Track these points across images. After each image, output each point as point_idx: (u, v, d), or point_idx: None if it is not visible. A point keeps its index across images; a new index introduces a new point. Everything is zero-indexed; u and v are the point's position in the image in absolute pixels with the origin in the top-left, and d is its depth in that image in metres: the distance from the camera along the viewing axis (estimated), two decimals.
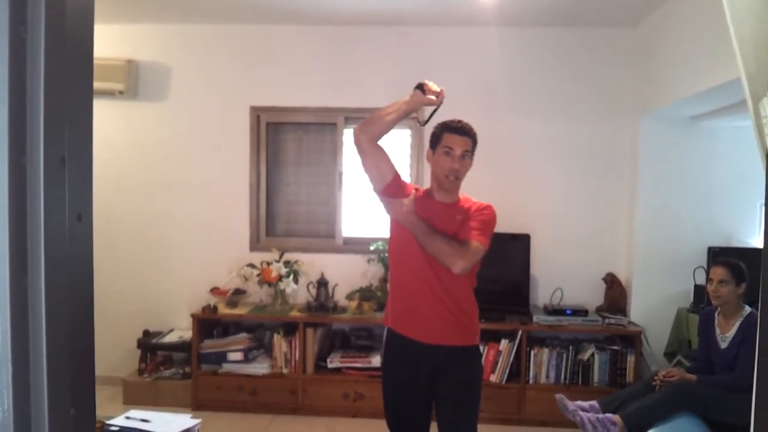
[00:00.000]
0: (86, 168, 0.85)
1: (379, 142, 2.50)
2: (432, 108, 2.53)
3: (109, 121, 4.79)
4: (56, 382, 0.78)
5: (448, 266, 2.38)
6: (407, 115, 2.47)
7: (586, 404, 3.43)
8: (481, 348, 4.18)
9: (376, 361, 4.18)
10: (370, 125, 2.46)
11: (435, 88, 2.47)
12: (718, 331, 3.45)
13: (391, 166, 2.55)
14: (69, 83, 0.79)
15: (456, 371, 2.53)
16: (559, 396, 3.47)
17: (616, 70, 4.58)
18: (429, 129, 2.62)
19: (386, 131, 2.48)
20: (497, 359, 4.22)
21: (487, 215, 2.55)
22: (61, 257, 0.78)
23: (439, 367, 2.52)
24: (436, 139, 2.55)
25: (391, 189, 2.54)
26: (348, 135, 4.74)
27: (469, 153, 2.53)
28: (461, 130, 2.51)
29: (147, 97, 4.79)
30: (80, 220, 0.83)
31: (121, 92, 4.66)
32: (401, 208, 2.46)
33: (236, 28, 4.72)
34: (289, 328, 4.41)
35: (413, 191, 2.61)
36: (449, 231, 2.48)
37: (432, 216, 2.51)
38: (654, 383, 3.44)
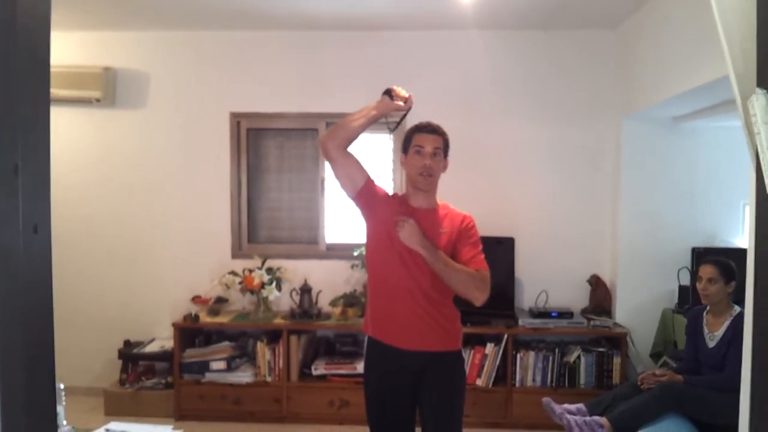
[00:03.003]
0: (42, 177, 0.81)
1: (350, 149, 2.49)
2: (401, 114, 2.55)
3: (86, 129, 4.74)
4: (11, 401, 0.73)
5: (471, 300, 2.39)
6: (376, 120, 2.49)
7: (573, 407, 3.41)
8: (467, 352, 4.16)
9: (360, 367, 4.05)
10: (338, 132, 2.46)
11: (403, 93, 2.50)
12: (706, 331, 3.44)
13: (363, 172, 2.53)
14: (21, 89, 0.75)
15: (439, 377, 2.50)
16: (546, 399, 3.45)
17: (597, 72, 4.58)
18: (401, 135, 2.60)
19: (354, 137, 2.48)
20: (483, 363, 4.19)
21: (476, 232, 2.55)
22: (15, 271, 0.74)
23: (422, 374, 2.49)
24: (407, 142, 2.55)
25: (363, 194, 2.52)
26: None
27: (440, 150, 2.52)
28: (429, 128, 2.52)
29: (125, 104, 4.72)
30: (36, 232, 0.78)
31: (98, 100, 4.60)
32: (413, 233, 2.34)
33: (215, 35, 4.67)
34: (273, 336, 4.36)
35: (387, 195, 2.60)
36: (431, 239, 2.43)
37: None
38: (641, 384, 3.43)
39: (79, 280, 4.70)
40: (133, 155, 4.74)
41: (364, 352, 2.67)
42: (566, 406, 3.40)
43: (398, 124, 2.62)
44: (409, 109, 2.52)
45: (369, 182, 2.54)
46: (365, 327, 2.63)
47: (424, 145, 2.48)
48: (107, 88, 4.62)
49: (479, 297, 2.39)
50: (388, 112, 2.49)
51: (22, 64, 0.75)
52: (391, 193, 2.65)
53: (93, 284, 4.74)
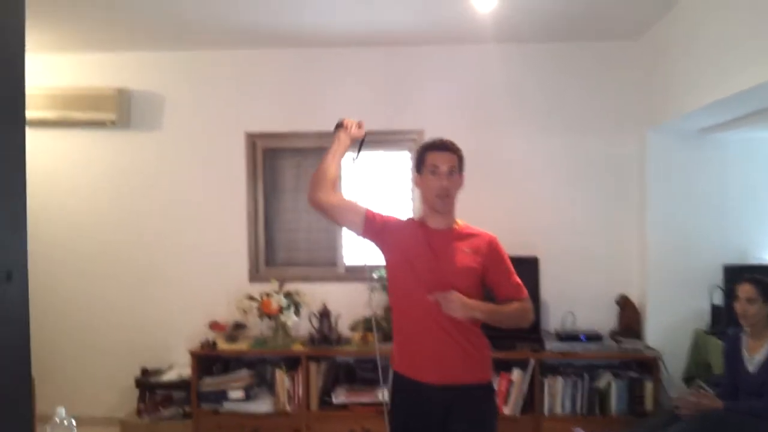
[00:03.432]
0: (16, 218, 0.70)
1: (337, 190, 2.50)
2: (358, 142, 2.58)
3: (101, 152, 4.68)
4: None
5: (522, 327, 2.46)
6: (344, 154, 2.53)
7: None
8: (493, 380, 4.01)
9: (383, 395, 4.01)
10: (318, 183, 2.47)
11: (353, 120, 2.57)
12: (746, 354, 3.27)
13: (358, 209, 2.48)
14: None
15: (469, 411, 2.38)
16: (577, 430, 3.30)
17: (619, 85, 4.44)
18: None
19: (335, 179, 2.48)
20: (510, 390, 4.04)
21: (505, 254, 2.46)
22: None
23: (452, 408, 2.36)
24: (420, 161, 2.46)
25: (369, 230, 2.47)
26: (348, 159, 4.58)
27: (456, 169, 2.42)
28: (443, 146, 2.42)
29: (140, 126, 4.66)
30: (9, 279, 0.68)
31: (112, 122, 4.53)
32: (460, 303, 2.25)
33: (230, 54, 4.59)
34: (292, 363, 4.24)
35: (398, 221, 2.52)
36: (455, 260, 2.36)
37: (430, 245, 2.40)
38: (677, 408, 3.26)
39: (93, 305, 4.65)
40: (148, 178, 4.67)
41: (389, 387, 2.54)
42: None
43: (359, 151, 2.63)
44: (365, 135, 2.58)
45: (369, 217, 2.47)
46: (392, 361, 2.51)
47: (438, 165, 2.38)
48: (122, 110, 4.56)
49: (527, 325, 2.45)
50: (353, 143, 2.55)
51: None
52: (404, 216, 2.57)
53: (108, 310, 4.66)
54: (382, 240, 2.48)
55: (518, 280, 2.45)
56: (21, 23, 0.75)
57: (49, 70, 4.57)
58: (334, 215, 2.49)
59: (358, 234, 2.48)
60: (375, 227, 2.46)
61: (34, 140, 4.63)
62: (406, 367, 2.43)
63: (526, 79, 4.49)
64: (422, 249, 2.39)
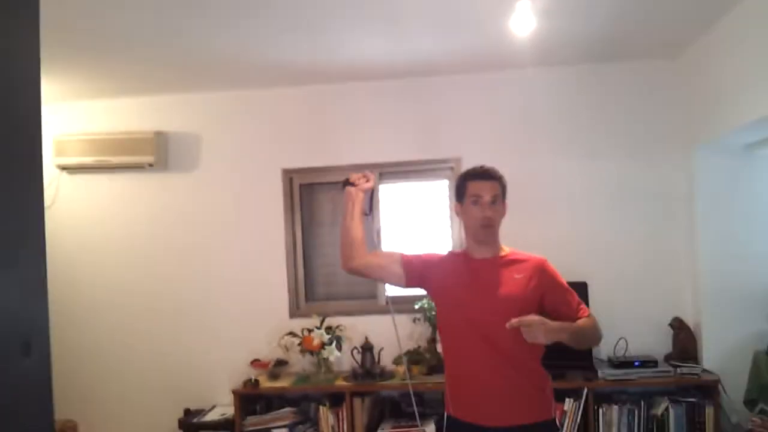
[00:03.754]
0: (36, 272, 0.61)
1: (366, 250, 2.43)
2: (368, 196, 2.52)
3: (140, 194, 4.73)
4: None
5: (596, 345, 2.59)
6: (360, 210, 2.46)
7: None
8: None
9: (430, 429, 3.88)
10: (347, 250, 2.41)
11: (358, 175, 2.51)
12: None
13: (394, 257, 2.43)
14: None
15: None
16: None
17: (662, 104, 4.33)
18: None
19: (361, 239, 2.42)
20: (563, 421, 3.88)
21: (559, 275, 2.36)
22: None
23: None
24: (460, 191, 2.38)
25: (412, 278, 2.40)
26: (384, 189, 4.57)
27: (500, 197, 2.33)
28: (485, 174, 2.33)
29: (177, 167, 4.71)
30: (28, 354, 0.57)
31: (150, 165, 4.59)
32: (542, 328, 2.07)
33: (263, 93, 4.64)
34: (336, 399, 4.15)
35: (440, 257, 2.45)
36: (506, 289, 2.25)
37: (476, 277, 2.31)
38: None
39: (133, 346, 4.64)
40: (187, 217, 4.70)
41: None
42: None
43: (371, 204, 2.55)
44: (374, 187, 2.54)
45: (406, 262, 2.41)
46: (446, 406, 2.41)
47: (481, 195, 2.29)
48: (159, 153, 4.61)
49: (599, 342, 2.44)
50: (363, 197, 2.48)
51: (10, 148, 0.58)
52: (444, 251, 2.50)
53: (148, 351, 4.64)
54: (427, 282, 2.41)
55: (578, 298, 2.35)
56: (36, 71, 0.69)
57: (88, 116, 4.68)
58: (372, 275, 2.47)
59: (403, 286, 2.42)
60: (416, 271, 2.40)
61: (74, 184, 4.73)
62: (460, 410, 2.31)
63: (566, 102, 4.42)
64: (468, 282, 2.30)
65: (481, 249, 2.35)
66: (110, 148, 4.55)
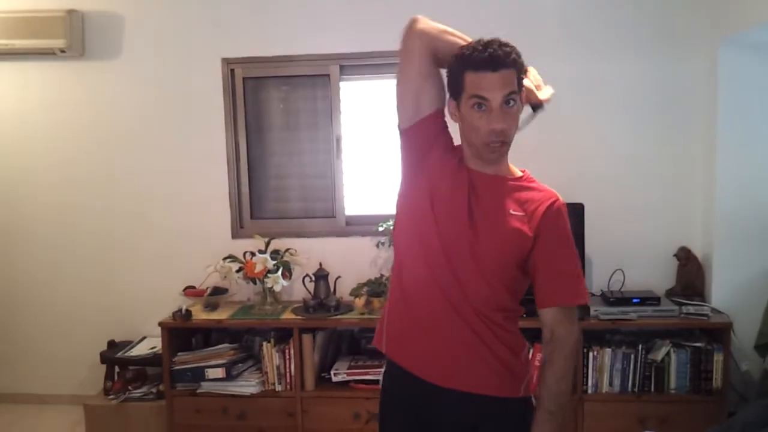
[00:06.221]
0: None
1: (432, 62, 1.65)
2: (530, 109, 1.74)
3: (49, 86, 3.96)
4: None
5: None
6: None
7: None
8: (528, 351, 3.30)
9: None
10: (436, 37, 1.62)
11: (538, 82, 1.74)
12: None
13: (436, 99, 1.66)
14: None
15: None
16: None
17: None
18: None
19: (439, 53, 1.63)
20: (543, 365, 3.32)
21: (568, 230, 1.67)
22: None
23: (477, 429, 1.67)
24: (456, 84, 1.59)
25: (421, 130, 1.66)
26: (346, 87, 3.82)
27: (516, 93, 1.58)
28: (495, 61, 1.53)
29: (95, 54, 3.91)
30: None
31: (62, 50, 3.81)
32: None
33: None
34: (283, 334, 3.54)
35: (449, 149, 1.70)
36: (498, 227, 1.60)
37: (471, 195, 1.62)
38: None
39: (53, 272, 4.08)
40: (106, 117, 3.95)
41: (381, 380, 1.85)
42: None
43: (528, 121, 1.73)
44: (542, 108, 1.76)
45: (436, 117, 1.67)
46: (377, 338, 1.81)
47: (487, 96, 1.53)
48: (73, 36, 3.80)
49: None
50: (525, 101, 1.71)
51: None
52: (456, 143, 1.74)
53: (71, 277, 4.06)
54: (420, 154, 1.68)
55: (579, 271, 1.67)
56: None
57: None
58: (412, 68, 1.63)
59: (407, 122, 1.67)
60: (429, 133, 1.67)
61: None
62: (400, 352, 1.73)
63: None
64: (459, 198, 1.62)
65: (484, 165, 1.65)
66: (11, 29, 3.77)
